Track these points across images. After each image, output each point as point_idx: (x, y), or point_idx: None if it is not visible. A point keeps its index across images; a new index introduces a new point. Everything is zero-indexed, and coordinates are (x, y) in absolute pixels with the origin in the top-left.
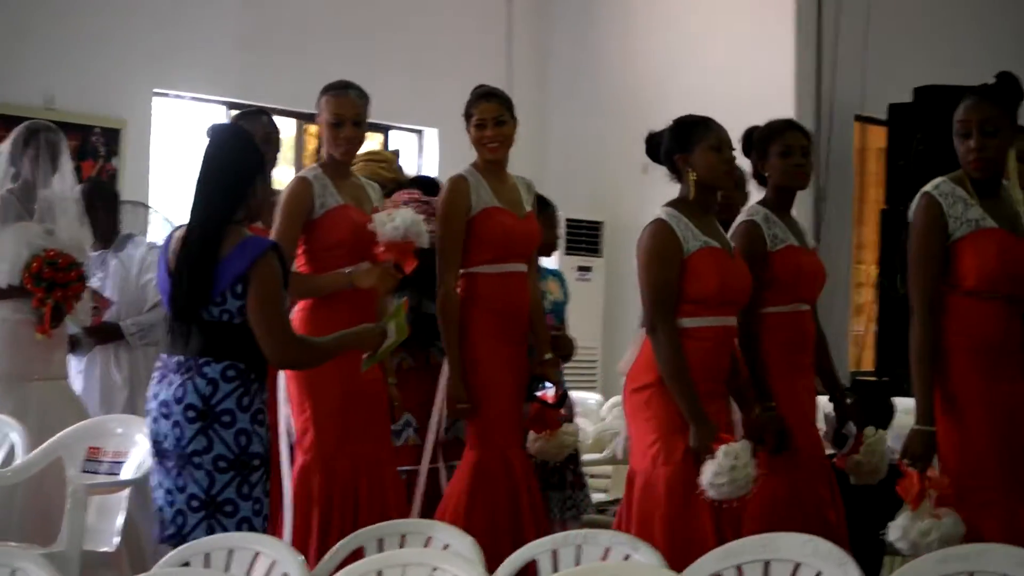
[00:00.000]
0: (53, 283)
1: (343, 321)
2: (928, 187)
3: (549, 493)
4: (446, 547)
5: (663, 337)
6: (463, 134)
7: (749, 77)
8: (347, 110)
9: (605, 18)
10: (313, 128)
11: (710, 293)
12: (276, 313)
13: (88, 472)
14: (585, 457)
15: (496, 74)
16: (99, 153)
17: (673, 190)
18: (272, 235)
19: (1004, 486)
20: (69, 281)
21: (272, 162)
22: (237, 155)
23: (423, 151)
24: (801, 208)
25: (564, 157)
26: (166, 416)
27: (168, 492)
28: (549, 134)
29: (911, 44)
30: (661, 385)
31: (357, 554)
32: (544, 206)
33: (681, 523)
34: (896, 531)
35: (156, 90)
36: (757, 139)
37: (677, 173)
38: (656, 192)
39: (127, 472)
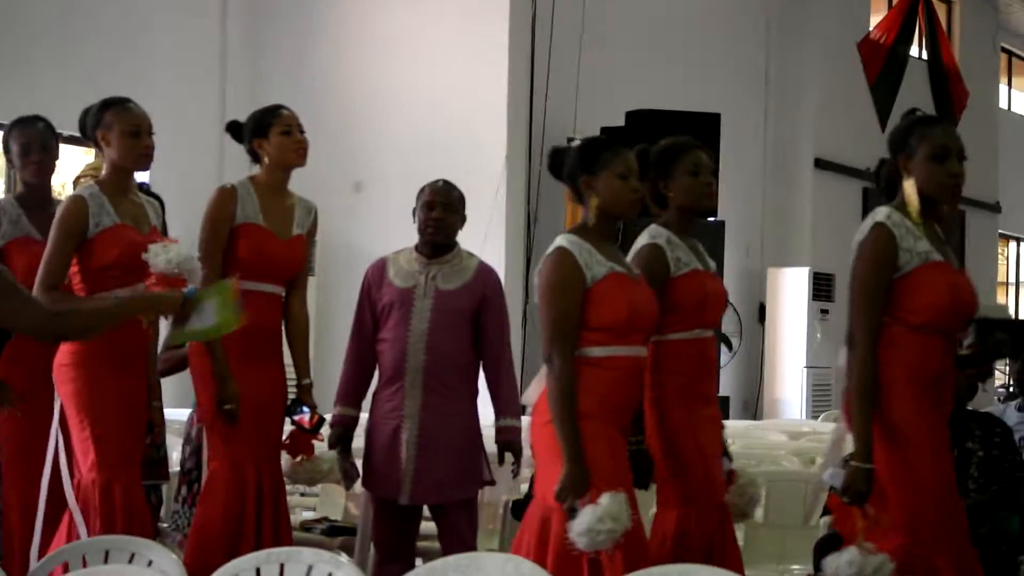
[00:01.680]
0: None
1: (114, 345)
2: (880, 217)
3: None
4: (150, 564)
5: (558, 369)
6: None
7: (463, 99)
8: (142, 121)
9: (318, 35)
10: None
11: (619, 320)
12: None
13: None
14: None
15: (210, 91)
16: None
17: (383, 210)
18: (45, 254)
19: (952, 518)
20: None
21: (51, 169)
22: None
23: None
24: (513, 230)
25: None
26: None
27: None
28: None
29: (624, 69)
30: None
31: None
32: None
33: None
34: (830, 566)
35: None
36: (659, 158)
37: (578, 196)
38: (370, 210)
39: None
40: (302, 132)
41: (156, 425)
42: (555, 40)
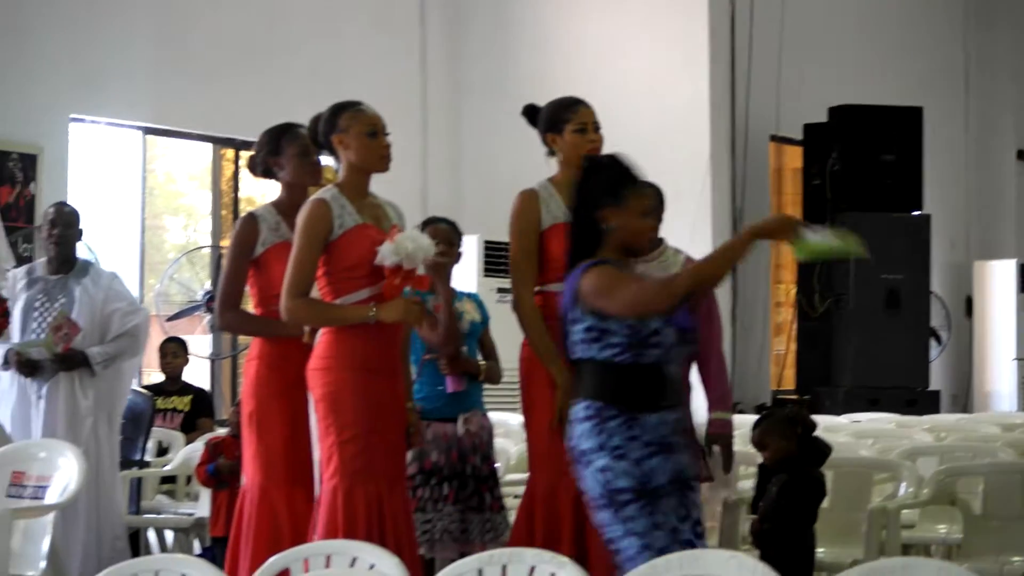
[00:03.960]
0: None
1: (368, 350)
2: None
3: (468, 516)
4: (372, 567)
5: None
6: None
7: (664, 98)
8: (378, 121)
9: (519, 38)
10: (229, 152)
11: None
12: None
13: (12, 497)
14: (510, 477)
15: (409, 99)
16: (16, 179)
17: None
18: (290, 260)
19: None
20: None
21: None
22: None
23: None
24: (719, 228)
25: (480, 178)
26: None
27: None
28: (465, 156)
29: (824, 64)
30: None
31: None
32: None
33: None
34: None
35: (73, 116)
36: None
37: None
38: None
39: (52, 496)
40: (597, 131)
41: (413, 427)
42: (756, 36)
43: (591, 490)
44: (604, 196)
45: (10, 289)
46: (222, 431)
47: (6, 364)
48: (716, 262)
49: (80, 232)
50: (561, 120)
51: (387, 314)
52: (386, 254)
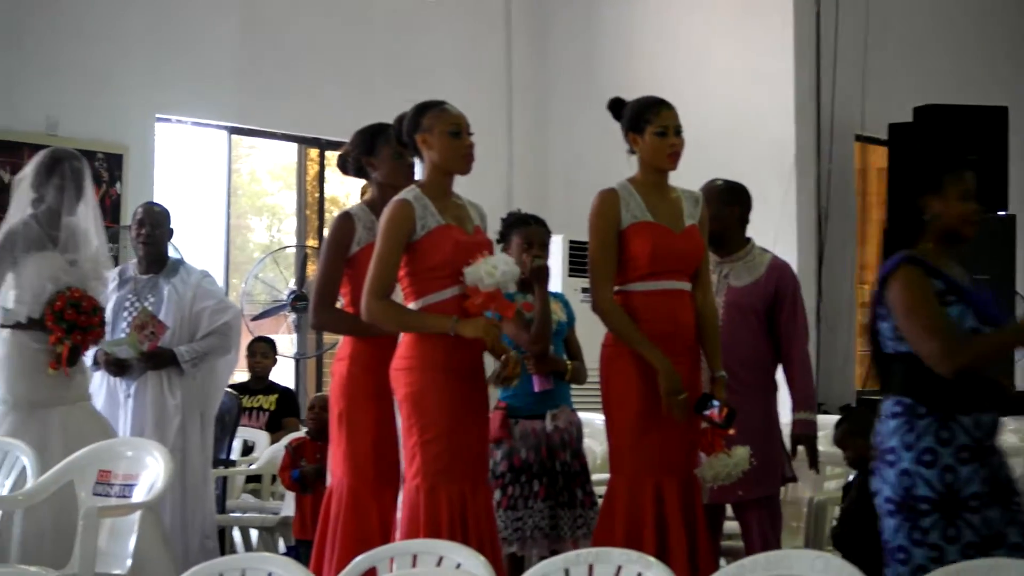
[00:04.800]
0: (74, 325)
1: (450, 351)
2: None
3: (559, 512)
4: (458, 566)
5: None
6: None
7: (749, 97)
8: (462, 120)
9: (605, 40)
10: (314, 152)
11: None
12: None
13: (99, 495)
14: (595, 477)
15: (496, 99)
16: (102, 178)
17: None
18: (372, 260)
19: None
20: (91, 326)
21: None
22: None
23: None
24: (804, 229)
25: (565, 178)
26: None
27: None
28: (551, 156)
29: (910, 63)
30: None
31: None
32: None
33: None
34: None
35: (158, 115)
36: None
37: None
38: None
39: (138, 495)
40: (678, 134)
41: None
42: (840, 36)
43: (886, 491)
44: (922, 184)
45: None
46: (304, 431)
47: (96, 364)
48: (1006, 345)
49: (171, 231)
50: (643, 120)
51: (466, 330)
52: (473, 277)
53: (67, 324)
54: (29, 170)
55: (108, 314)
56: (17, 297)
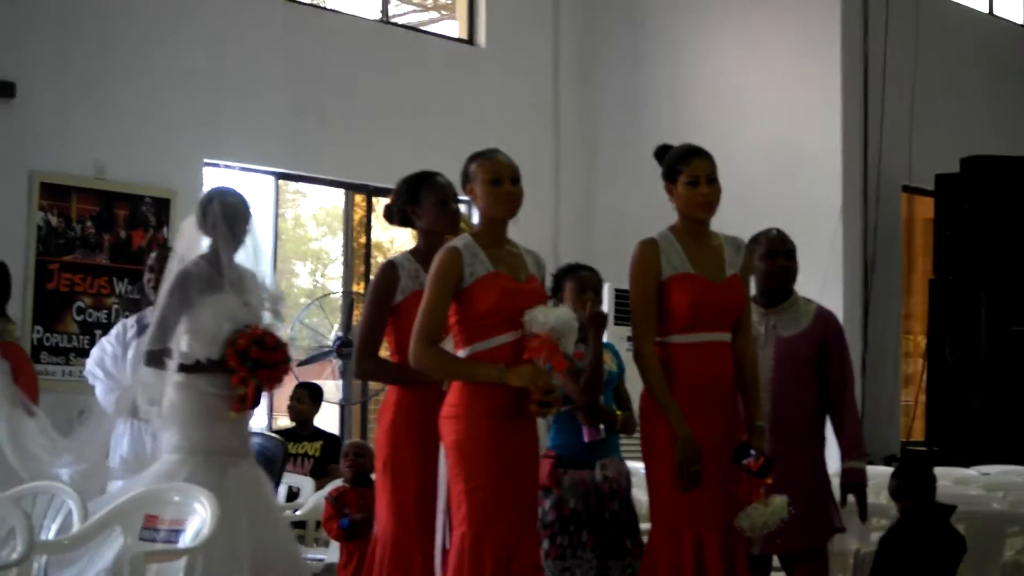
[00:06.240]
0: (259, 363)
1: (498, 398)
2: None
3: (608, 562)
4: None
5: None
6: None
7: (795, 146)
8: (503, 169)
9: (653, 89)
10: (360, 198)
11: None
12: None
13: (145, 540)
14: (643, 526)
15: (544, 151)
16: (149, 223)
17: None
18: (421, 307)
19: None
20: (276, 362)
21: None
22: None
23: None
24: (850, 278)
25: (612, 227)
26: None
27: None
28: (596, 204)
29: (957, 115)
30: None
31: None
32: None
33: None
34: None
35: (206, 160)
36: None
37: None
38: None
39: (184, 541)
40: (711, 183)
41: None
42: (888, 86)
43: None
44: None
45: (120, 337)
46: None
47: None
48: None
49: None
50: (675, 170)
51: (513, 379)
52: (534, 324)
53: (251, 362)
54: (196, 211)
55: (128, 364)
56: (191, 340)
